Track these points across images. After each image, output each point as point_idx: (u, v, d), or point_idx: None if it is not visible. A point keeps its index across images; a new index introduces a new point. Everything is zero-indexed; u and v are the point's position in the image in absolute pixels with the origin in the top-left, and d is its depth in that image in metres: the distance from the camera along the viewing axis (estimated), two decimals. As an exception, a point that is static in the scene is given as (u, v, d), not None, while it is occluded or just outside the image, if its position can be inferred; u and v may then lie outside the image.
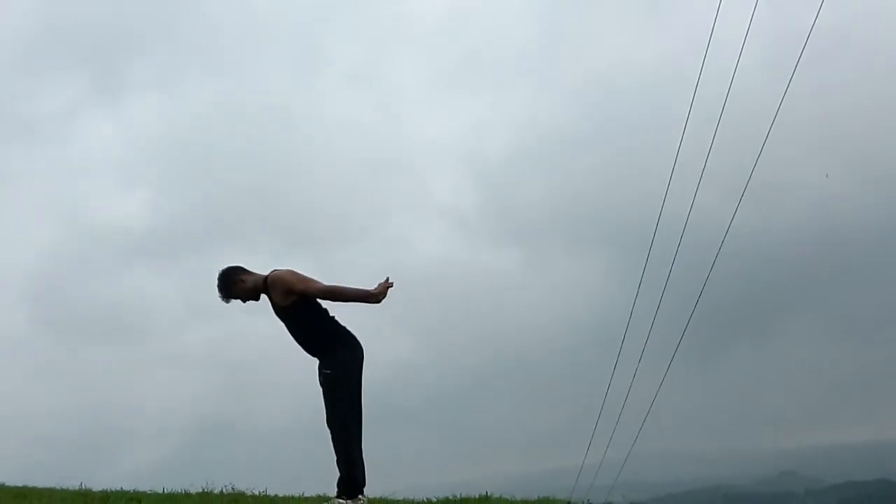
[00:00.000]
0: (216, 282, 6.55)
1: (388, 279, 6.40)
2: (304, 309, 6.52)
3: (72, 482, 8.17)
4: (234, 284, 6.53)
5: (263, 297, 6.60)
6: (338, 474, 6.44)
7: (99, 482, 8.37)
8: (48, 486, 8.24)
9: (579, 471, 20.64)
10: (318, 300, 6.57)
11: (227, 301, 6.55)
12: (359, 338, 6.63)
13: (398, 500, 8.24)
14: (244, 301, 6.56)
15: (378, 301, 6.39)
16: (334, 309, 6.62)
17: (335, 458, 6.42)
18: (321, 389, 6.50)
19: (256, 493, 8.30)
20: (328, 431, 6.46)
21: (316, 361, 6.59)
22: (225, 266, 6.59)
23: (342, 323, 6.65)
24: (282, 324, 6.66)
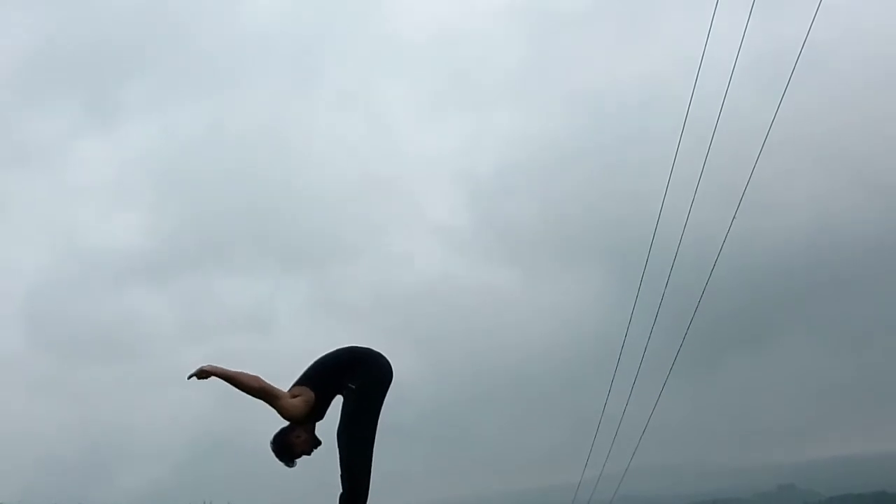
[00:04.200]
0: (275, 455, 6.33)
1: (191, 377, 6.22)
2: (323, 380, 6.39)
3: (69, 501, 8.17)
4: (293, 447, 6.33)
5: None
6: (339, 490, 6.37)
7: (97, 501, 8.37)
8: (46, 505, 8.24)
9: (578, 485, 20.64)
10: (320, 364, 6.55)
11: (295, 464, 6.37)
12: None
13: (396, 516, 8.22)
14: (311, 447, 6.34)
15: (215, 372, 6.16)
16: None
17: (339, 471, 6.35)
18: (343, 400, 6.40)
19: (254, 510, 8.29)
20: (336, 442, 6.38)
21: None
22: (272, 442, 6.32)
23: (362, 345, 6.61)
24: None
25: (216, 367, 6.21)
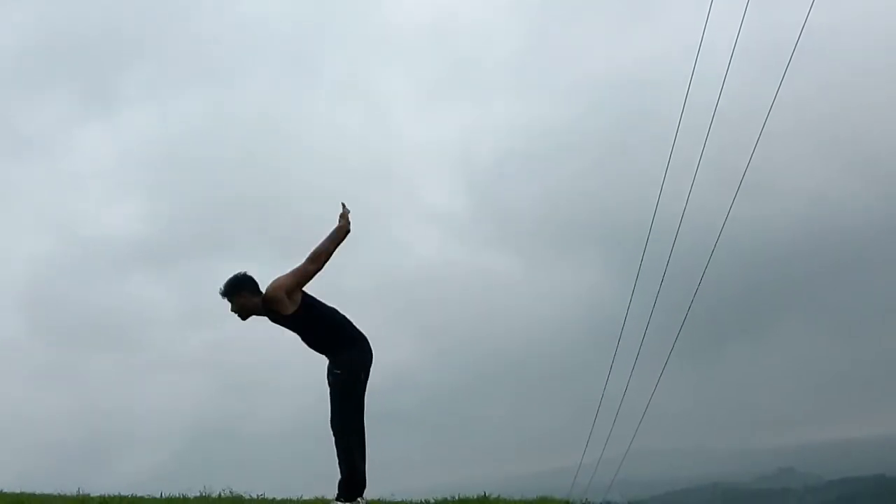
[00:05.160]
0: (227, 280, 6.44)
1: (343, 206, 6.50)
2: (312, 312, 6.49)
3: (70, 488, 8.17)
4: (240, 294, 6.42)
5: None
6: (339, 475, 6.45)
7: (97, 488, 8.37)
8: (46, 492, 8.24)
9: (577, 470, 20.67)
10: (322, 304, 6.60)
11: (223, 298, 6.43)
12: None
13: (397, 502, 8.26)
14: (237, 312, 6.47)
15: (348, 231, 6.46)
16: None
17: (337, 459, 6.43)
18: (329, 389, 6.49)
19: (255, 496, 8.32)
20: (331, 432, 6.44)
21: (324, 362, 6.57)
22: (243, 272, 6.47)
23: (354, 324, 6.66)
24: (292, 333, 6.61)
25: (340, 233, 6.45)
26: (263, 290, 6.42)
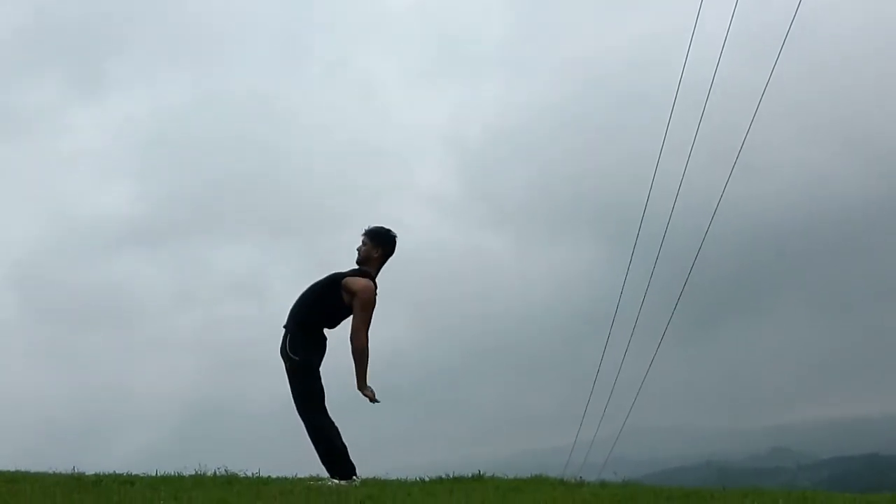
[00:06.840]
0: (382, 227, 6.79)
1: (377, 402, 6.59)
2: (337, 303, 6.62)
3: (64, 467, 8.17)
4: (376, 244, 6.75)
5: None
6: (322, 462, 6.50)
7: (92, 466, 8.37)
8: (41, 470, 8.24)
9: (572, 448, 20.84)
10: (337, 317, 6.71)
11: (363, 237, 6.78)
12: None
13: (391, 480, 8.25)
14: (360, 253, 6.77)
15: (358, 387, 6.56)
16: (332, 322, 6.75)
17: (314, 448, 6.51)
18: (288, 378, 6.62)
19: (250, 474, 8.31)
20: (301, 422, 6.56)
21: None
22: (395, 234, 6.81)
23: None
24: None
25: (362, 380, 6.57)
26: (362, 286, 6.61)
